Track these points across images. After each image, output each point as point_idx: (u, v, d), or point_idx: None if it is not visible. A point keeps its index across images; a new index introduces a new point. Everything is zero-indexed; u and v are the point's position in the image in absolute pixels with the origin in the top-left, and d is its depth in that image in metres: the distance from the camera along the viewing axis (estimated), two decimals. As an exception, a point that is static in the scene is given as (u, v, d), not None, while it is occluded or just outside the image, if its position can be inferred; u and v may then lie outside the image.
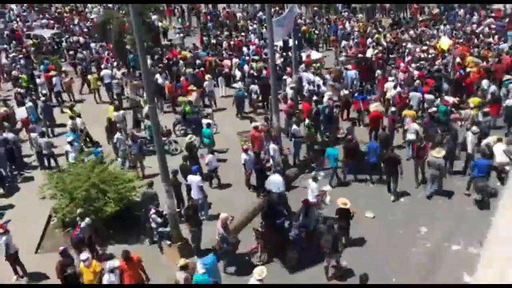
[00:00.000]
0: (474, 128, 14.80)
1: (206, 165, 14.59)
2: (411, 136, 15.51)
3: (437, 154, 13.55)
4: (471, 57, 22.54)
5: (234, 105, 19.77)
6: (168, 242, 11.81)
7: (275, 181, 13.06)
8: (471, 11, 34.74)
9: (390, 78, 20.06)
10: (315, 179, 12.76)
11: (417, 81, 18.99)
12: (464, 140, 14.81)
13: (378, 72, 20.61)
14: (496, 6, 34.40)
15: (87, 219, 11.50)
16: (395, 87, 18.40)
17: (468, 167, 14.39)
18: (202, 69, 22.18)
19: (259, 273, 9.49)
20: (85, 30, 32.70)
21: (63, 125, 18.25)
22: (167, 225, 11.63)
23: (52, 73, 22.40)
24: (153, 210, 11.79)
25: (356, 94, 18.77)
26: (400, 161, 13.72)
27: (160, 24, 32.86)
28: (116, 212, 12.35)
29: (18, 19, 38.26)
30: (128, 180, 13.14)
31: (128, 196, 12.80)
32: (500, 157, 13.74)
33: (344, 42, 26.75)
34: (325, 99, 17.91)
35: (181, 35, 30.95)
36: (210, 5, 39.10)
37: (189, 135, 16.06)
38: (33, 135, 16.51)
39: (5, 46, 30.06)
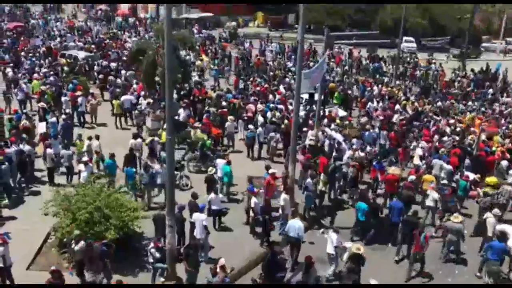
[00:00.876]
0: (496, 210, 14.29)
1: (208, 203, 14.29)
2: (429, 203, 15.24)
3: (455, 219, 13.39)
4: (497, 137, 22.28)
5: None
6: (162, 279, 11.42)
7: (294, 225, 12.83)
8: (501, 92, 34.81)
9: (420, 145, 19.85)
10: (336, 231, 12.56)
11: (442, 149, 18.90)
12: (483, 221, 14.26)
13: (414, 144, 20.33)
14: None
15: (81, 243, 11.24)
16: (420, 158, 18.23)
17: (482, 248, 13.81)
18: (225, 110, 22.31)
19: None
20: (124, 58, 33.31)
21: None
22: (164, 261, 11.27)
23: (78, 93, 22.82)
24: (152, 244, 11.49)
25: (374, 162, 17.96)
26: (418, 226, 13.30)
27: (197, 63, 33.57)
28: (116, 240, 12.10)
29: (59, 39, 39.62)
30: (133, 209, 12.94)
31: (129, 225, 12.56)
32: None
33: (369, 104, 26.74)
34: (345, 157, 17.71)
35: (199, 77, 30.99)
36: (243, 52, 39.99)
37: (210, 167, 16.20)
38: (48, 151, 16.54)
39: (41, 61, 30.93)
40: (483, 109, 29.98)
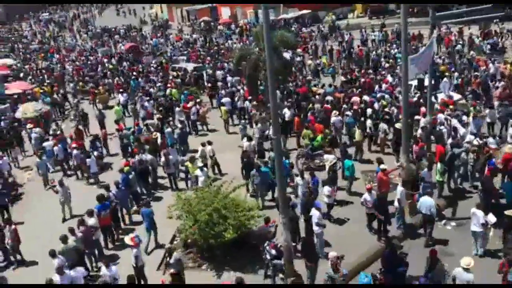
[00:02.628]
0: None
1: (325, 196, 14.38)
2: None
3: None
4: None
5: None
6: (281, 276, 11.63)
7: (426, 202, 12.85)
8: None
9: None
10: (479, 206, 12.13)
11: None
12: None
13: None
14: None
15: (175, 254, 11.87)
16: None
17: None
18: (328, 106, 22.09)
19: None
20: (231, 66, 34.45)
21: (196, 151, 19.23)
22: (281, 258, 11.48)
23: (190, 103, 24.17)
24: (268, 242, 11.75)
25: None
26: None
27: (308, 62, 33.97)
28: (235, 239, 12.60)
29: (170, 54, 42.47)
30: (248, 209, 13.37)
31: (246, 225, 12.98)
32: None
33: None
34: (464, 143, 16.54)
35: (311, 77, 30.95)
36: (344, 44, 39.30)
37: (331, 158, 16.22)
38: (168, 158, 17.67)
39: (155, 78, 33.26)
40: None
